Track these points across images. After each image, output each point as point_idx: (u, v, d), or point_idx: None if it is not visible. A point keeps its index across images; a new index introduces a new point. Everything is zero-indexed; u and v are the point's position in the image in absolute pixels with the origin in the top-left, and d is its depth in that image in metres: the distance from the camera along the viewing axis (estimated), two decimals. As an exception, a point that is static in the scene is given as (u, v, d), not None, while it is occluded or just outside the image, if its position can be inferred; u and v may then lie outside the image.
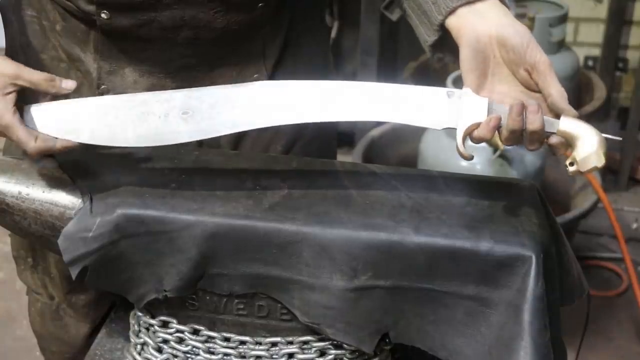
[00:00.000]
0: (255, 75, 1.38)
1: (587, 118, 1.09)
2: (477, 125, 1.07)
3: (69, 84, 1.16)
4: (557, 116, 1.07)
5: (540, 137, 1.06)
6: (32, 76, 1.15)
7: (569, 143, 1.07)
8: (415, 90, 1.11)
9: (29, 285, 1.56)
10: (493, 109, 1.07)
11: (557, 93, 1.05)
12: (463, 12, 1.10)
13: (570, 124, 1.06)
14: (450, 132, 1.10)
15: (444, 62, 1.20)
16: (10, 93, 1.13)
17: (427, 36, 1.16)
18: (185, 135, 1.15)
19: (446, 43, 1.14)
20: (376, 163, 1.70)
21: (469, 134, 1.09)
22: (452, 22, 1.12)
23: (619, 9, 3.48)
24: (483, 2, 1.10)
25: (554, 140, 1.07)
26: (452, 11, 1.11)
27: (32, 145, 1.14)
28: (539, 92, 1.08)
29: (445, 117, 1.09)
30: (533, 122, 1.04)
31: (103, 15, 1.27)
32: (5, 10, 1.42)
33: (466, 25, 1.10)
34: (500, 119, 1.06)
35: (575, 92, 3.04)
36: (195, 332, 1.23)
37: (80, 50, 1.35)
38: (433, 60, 1.21)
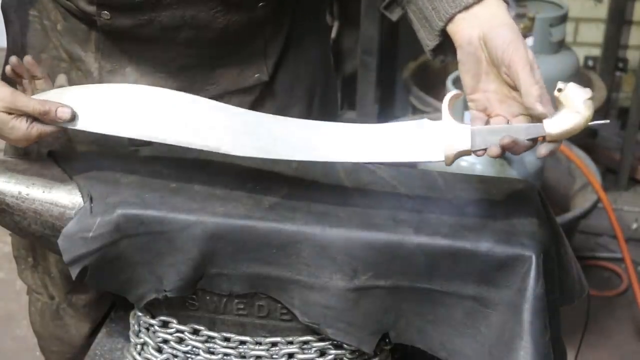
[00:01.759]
0: (256, 75, 1.39)
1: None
2: (463, 152, 1.08)
3: (63, 114, 1.16)
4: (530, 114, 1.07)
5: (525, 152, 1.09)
6: (27, 106, 1.16)
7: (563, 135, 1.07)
8: (396, 128, 1.13)
9: (29, 285, 1.56)
10: (475, 140, 1.07)
11: (526, 91, 1.05)
12: (460, 17, 1.11)
13: (552, 125, 1.05)
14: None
15: (446, 62, 1.20)
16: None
17: (428, 41, 1.17)
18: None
19: (447, 47, 1.15)
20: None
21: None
22: (451, 28, 1.13)
23: (619, 9, 3.48)
24: (479, 4, 1.11)
25: (545, 153, 1.07)
26: (451, 18, 1.12)
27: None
28: None
29: (431, 152, 1.10)
30: (515, 152, 1.07)
31: (104, 16, 1.27)
32: (6, 10, 1.42)
33: (462, 30, 1.12)
34: (485, 152, 1.07)
35: (575, 92, 3.03)
36: (195, 332, 1.23)
37: (81, 50, 1.35)
38: (435, 61, 1.21)
